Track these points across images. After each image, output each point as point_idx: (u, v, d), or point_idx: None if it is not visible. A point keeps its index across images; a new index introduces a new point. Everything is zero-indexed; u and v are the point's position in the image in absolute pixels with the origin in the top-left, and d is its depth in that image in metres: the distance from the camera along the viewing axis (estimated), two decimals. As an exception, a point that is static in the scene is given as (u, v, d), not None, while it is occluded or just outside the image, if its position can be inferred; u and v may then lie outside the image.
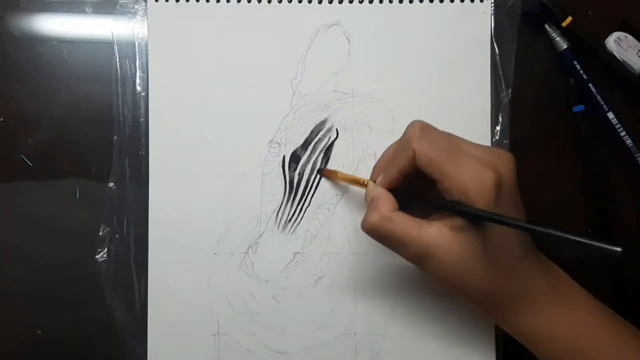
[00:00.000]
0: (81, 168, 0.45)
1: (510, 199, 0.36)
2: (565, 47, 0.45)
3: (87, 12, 0.46)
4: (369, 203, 0.39)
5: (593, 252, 0.30)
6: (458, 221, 0.36)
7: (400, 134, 0.45)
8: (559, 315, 0.37)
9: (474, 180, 0.35)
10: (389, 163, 0.39)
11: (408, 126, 0.38)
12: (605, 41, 0.46)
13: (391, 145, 0.40)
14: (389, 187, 0.39)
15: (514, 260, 0.37)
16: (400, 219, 0.37)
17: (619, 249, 0.30)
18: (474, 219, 0.36)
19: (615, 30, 0.46)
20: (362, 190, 0.44)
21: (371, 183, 0.40)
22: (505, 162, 0.36)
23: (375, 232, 0.38)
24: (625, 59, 0.45)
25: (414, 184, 0.38)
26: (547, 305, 0.37)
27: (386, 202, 0.38)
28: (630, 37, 0.45)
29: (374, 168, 0.41)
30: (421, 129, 0.37)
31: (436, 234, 0.36)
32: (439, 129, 0.38)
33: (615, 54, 0.45)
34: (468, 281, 0.37)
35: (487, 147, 0.39)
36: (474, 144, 0.38)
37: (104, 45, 0.46)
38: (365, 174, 0.45)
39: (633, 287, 0.46)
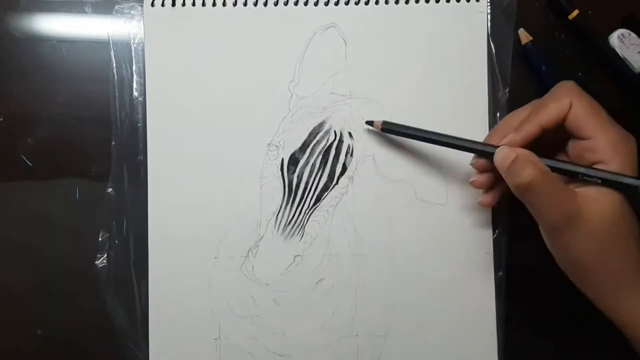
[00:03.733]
0: (81, 168, 0.45)
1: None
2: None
3: (87, 12, 0.46)
4: (515, 161, 0.36)
5: None
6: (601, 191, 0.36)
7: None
8: None
9: (623, 142, 0.36)
10: (531, 117, 0.38)
11: (559, 85, 0.38)
12: (609, 37, 0.45)
13: (516, 111, 0.40)
14: (524, 144, 0.38)
15: None
16: (555, 177, 0.36)
17: None
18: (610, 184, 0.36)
19: (621, 26, 0.45)
20: (365, 188, 0.44)
21: (505, 147, 0.38)
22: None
23: (532, 185, 0.35)
24: (627, 57, 0.45)
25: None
26: None
27: (537, 158, 0.36)
28: (633, 35, 0.45)
29: (493, 132, 0.40)
30: (577, 86, 0.37)
31: (589, 201, 0.36)
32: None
33: (618, 50, 0.45)
34: (607, 253, 0.36)
35: None
36: None
37: (105, 45, 0.46)
38: (364, 176, 0.45)
39: None
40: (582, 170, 0.37)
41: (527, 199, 0.37)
